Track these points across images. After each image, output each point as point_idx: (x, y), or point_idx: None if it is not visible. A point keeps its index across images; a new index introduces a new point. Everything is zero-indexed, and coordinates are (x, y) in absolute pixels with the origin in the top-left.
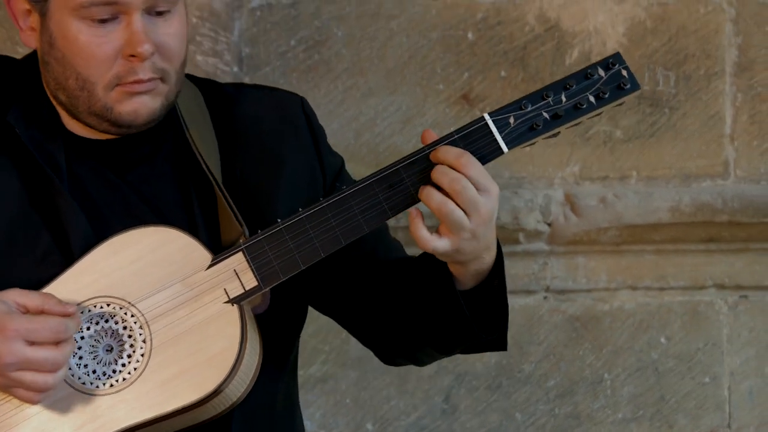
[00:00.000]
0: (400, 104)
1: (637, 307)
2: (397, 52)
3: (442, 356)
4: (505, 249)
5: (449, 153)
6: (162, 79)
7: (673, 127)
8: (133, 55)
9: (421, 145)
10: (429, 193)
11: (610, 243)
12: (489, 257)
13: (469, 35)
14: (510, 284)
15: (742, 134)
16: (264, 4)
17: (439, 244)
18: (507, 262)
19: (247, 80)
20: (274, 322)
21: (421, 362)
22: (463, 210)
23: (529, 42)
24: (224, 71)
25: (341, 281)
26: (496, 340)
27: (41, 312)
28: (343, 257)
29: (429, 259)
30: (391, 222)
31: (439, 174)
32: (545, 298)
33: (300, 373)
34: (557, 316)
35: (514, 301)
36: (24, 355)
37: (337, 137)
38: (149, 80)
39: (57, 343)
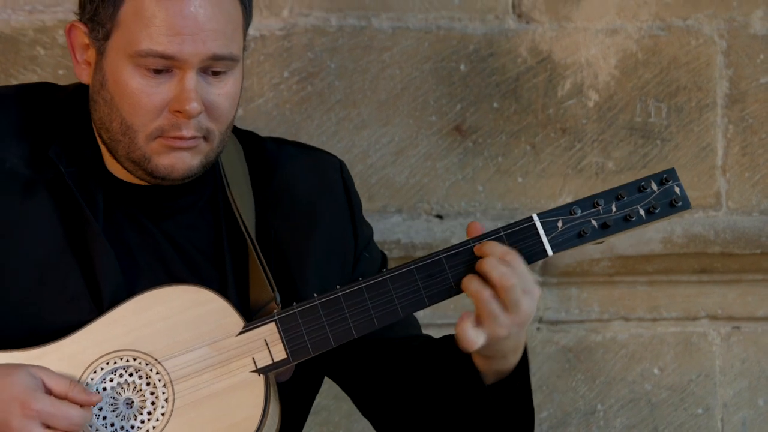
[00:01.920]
0: (393, 136)
1: (630, 338)
2: (390, 83)
3: None
4: None
5: (497, 248)
6: (205, 138)
7: (665, 159)
8: (179, 111)
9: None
10: (469, 279)
11: (602, 274)
12: (514, 359)
13: (462, 67)
14: None
15: (733, 166)
16: (257, 36)
17: (478, 339)
18: None
19: (240, 112)
20: (293, 389)
21: None
22: (504, 306)
23: (521, 74)
24: None
25: (356, 356)
26: None
27: (65, 398)
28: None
29: (452, 348)
30: None
31: (489, 267)
32: (538, 329)
33: None
34: (550, 347)
35: None
36: None
37: None
38: (192, 138)
39: None
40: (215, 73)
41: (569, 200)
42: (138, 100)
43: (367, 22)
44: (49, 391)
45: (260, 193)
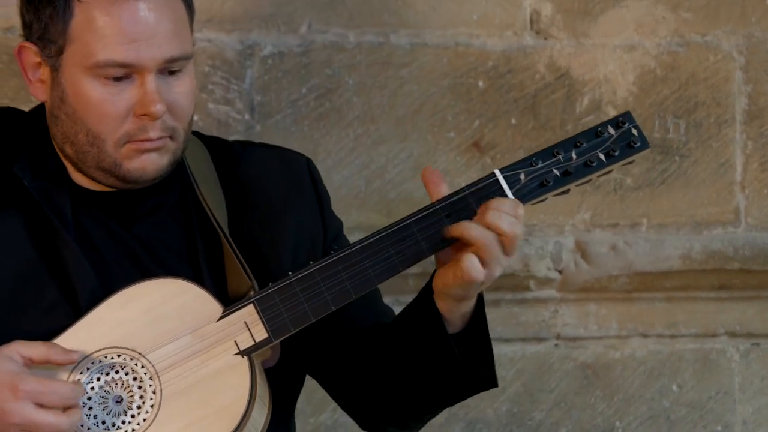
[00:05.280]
0: (411, 151)
1: (649, 354)
2: (408, 100)
3: (431, 414)
4: (515, 296)
5: (505, 204)
6: (171, 137)
7: (683, 175)
8: (145, 114)
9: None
10: (467, 225)
11: (621, 290)
12: (474, 300)
13: (480, 83)
14: (521, 331)
15: (752, 182)
16: (276, 53)
17: (480, 275)
18: (517, 309)
19: (258, 128)
20: (282, 375)
21: (409, 428)
22: (506, 251)
23: (539, 90)
24: (236, 119)
25: (329, 348)
26: (487, 378)
27: (46, 362)
28: (333, 324)
29: (417, 307)
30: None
31: (496, 217)
32: (556, 345)
33: (310, 420)
34: (568, 363)
35: (525, 349)
36: (31, 418)
37: (347, 185)
38: (159, 138)
39: (65, 408)
40: (171, 72)
41: (588, 217)
42: (102, 109)
43: (386, 38)
44: (30, 361)
45: (230, 191)
